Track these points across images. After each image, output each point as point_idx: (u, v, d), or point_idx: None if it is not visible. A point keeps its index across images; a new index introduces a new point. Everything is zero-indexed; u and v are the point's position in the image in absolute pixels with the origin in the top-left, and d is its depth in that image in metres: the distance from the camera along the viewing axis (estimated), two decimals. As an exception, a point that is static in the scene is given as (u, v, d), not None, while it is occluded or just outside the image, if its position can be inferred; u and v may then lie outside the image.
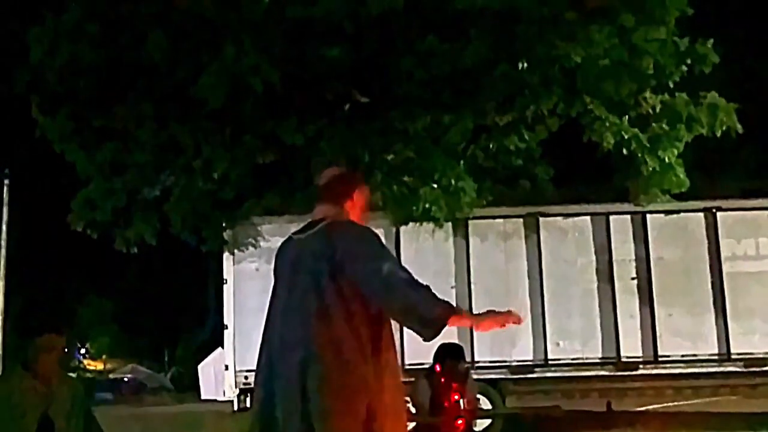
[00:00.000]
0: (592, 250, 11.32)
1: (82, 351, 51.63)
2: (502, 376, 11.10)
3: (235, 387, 11.05)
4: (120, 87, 9.91)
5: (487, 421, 10.80)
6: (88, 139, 10.30)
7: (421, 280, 3.20)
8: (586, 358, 11.08)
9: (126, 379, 45.18)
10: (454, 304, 3.23)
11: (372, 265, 3.12)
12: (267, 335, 3.31)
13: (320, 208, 3.42)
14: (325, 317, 3.11)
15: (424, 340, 3.15)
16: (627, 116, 10.00)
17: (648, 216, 11.24)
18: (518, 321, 3.22)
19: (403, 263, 3.38)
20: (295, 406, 3.08)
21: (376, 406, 3.12)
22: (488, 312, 3.30)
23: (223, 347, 11.76)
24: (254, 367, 3.38)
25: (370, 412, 3.10)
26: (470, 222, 11.16)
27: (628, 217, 11.33)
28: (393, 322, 3.31)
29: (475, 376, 7.52)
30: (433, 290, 3.17)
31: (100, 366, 53.31)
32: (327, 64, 9.34)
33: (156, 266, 35.60)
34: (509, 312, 3.24)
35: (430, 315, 3.08)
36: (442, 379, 6.80)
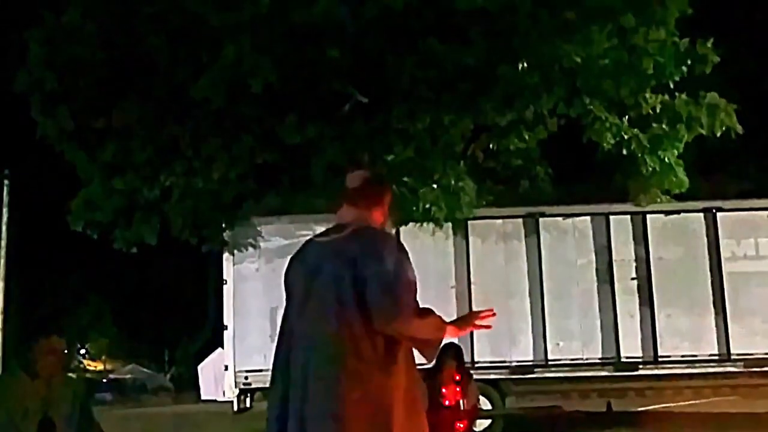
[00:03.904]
0: (592, 250, 11.32)
1: (82, 351, 51.62)
2: (502, 376, 11.10)
3: (235, 387, 11.02)
4: (120, 87, 9.90)
5: (487, 421, 10.81)
6: (88, 139, 10.29)
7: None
8: (586, 359, 11.07)
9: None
10: (442, 318, 3.21)
11: (377, 268, 3.05)
12: (281, 338, 3.22)
13: (349, 211, 3.30)
14: (342, 321, 3.03)
15: (427, 360, 3.19)
16: (627, 116, 9.99)
17: (648, 216, 11.24)
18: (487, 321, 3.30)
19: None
20: (296, 407, 3.01)
21: (392, 414, 3.01)
22: (464, 317, 3.41)
23: (222, 348, 11.75)
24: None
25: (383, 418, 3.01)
26: (470, 222, 11.15)
27: (628, 217, 11.33)
28: None
29: (475, 376, 7.51)
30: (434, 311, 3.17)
31: (100, 366, 53.34)
32: (327, 64, 9.33)
33: (156, 266, 35.55)
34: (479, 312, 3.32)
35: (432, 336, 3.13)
36: (442, 380, 6.81)
